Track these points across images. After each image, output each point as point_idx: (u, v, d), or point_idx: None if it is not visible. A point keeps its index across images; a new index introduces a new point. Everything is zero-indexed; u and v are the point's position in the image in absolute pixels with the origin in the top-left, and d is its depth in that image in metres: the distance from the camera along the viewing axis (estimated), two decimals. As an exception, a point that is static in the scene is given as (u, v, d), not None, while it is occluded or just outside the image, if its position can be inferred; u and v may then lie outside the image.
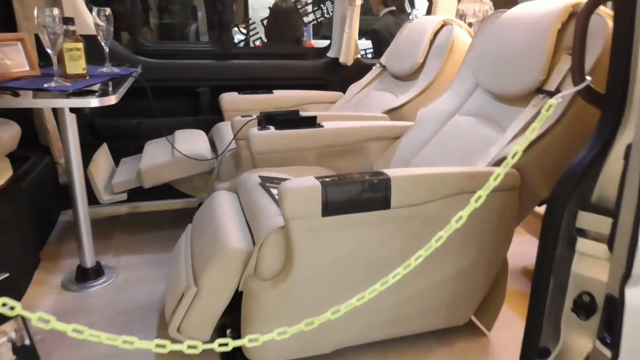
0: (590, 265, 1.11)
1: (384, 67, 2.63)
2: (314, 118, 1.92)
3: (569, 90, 1.10)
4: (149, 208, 2.59)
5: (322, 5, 3.88)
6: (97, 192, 2.01)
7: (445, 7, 2.83)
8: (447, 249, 1.41)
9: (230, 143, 2.05)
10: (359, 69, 2.78)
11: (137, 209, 2.58)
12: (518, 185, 1.45)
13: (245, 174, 1.76)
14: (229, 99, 2.54)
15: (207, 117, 2.68)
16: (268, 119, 1.92)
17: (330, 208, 1.26)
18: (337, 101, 2.70)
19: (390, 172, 1.33)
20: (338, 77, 2.84)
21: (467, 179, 1.38)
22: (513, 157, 1.15)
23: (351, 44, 2.71)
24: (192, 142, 2.28)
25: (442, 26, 2.32)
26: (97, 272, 1.90)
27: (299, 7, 3.76)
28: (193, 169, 2.11)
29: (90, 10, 2.13)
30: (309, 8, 4.24)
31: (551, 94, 1.47)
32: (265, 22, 3.55)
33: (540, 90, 1.51)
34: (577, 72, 1.07)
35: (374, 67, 2.70)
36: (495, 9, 3.30)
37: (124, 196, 2.10)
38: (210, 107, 2.68)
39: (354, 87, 2.69)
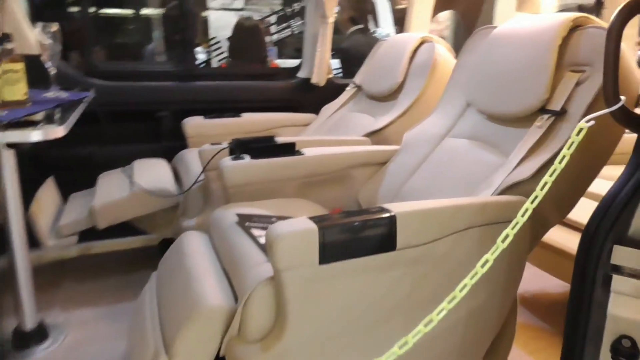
0: (629, 305, 0.97)
1: (359, 88, 2.49)
2: (293, 145, 1.73)
3: (602, 111, 0.96)
4: (102, 248, 2.30)
5: (288, 23, 3.75)
6: (41, 237, 1.72)
7: (419, 25, 2.73)
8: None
9: (200, 175, 1.82)
10: (332, 90, 2.63)
11: (89, 251, 2.29)
12: (530, 215, 1.30)
13: (219, 210, 1.54)
14: (194, 124, 2.32)
15: (169, 143, 2.44)
16: (241, 147, 1.72)
17: (328, 254, 1.06)
18: (310, 124, 2.53)
19: (394, 207, 1.15)
20: (310, 98, 2.67)
21: (478, 211, 1.22)
22: (542, 188, 1.00)
23: (324, 64, 2.56)
24: (153, 173, 2.03)
25: (421, 43, 2.20)
26: (40, 334, 1.60)
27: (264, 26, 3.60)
28: (155, 205, 1.86)
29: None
30: (272, 28, 4.09)
31: (556, 114, 1.35)
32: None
33: (543, 110, 1.38)
34: (610, 92, 0.94)
35: (347, 88, 2.55)
36: (465, 27, 3.25)
37: (74, 239, 1.82)
38: (173, 132, 2.44)
39: (327, 109, 2.52)
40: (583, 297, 0.99)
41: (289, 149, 1.71)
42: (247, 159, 1.63)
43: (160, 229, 1.98)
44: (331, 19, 2.49)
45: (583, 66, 1.35)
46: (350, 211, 1.16)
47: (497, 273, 1.30)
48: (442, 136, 1.74)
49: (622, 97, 0.93)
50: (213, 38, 3.79)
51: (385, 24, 4.82)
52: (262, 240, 1.30)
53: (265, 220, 1.43)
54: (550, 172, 0.99)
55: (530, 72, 1.43)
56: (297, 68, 2.75)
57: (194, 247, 1.43)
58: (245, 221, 1.41)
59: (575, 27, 1.40)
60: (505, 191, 1.32)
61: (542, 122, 1.37)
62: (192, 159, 2.10)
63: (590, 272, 0.97)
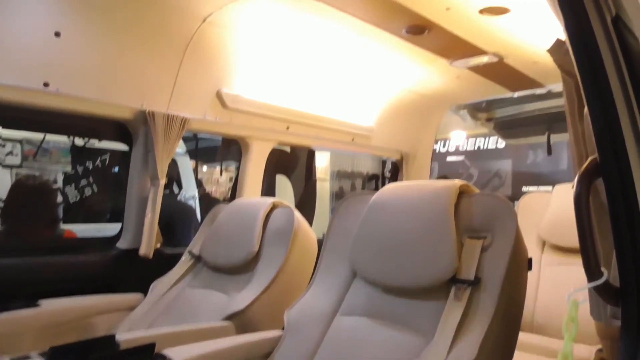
0: None
1: (197, 258, 2.12)
2: (151, 348, 1.24)
3: (586, 285, 0.88)
4: None
5: (84, 182, 3.21)
6: None
7: (252, 189, 2.61)
8: None
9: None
10: (161, 262, 2.19)
11: None
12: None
13: None
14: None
15: None
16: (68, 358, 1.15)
17: None
18: (137, 306, 1.99)
19: None
20: (133, 273, 2.15)
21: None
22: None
23: (153, 231, 2.14)
24: None
25: (272, 208, 2.03)
26: None
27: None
28: None
29: None
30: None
31: (472, 283, 1.27)
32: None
33: (455, 280, 1.29)
34: (592, 266, 0.87)
35: (182, 259, 2.15)
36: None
37: None
38: None
39: (159, 286, 2.05)
40: None
41: (147, 355, 1.22)
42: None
43: None
44: (162, 181, 2.16)
45: (482, 232, 1.34)
46: None
47: None
48: (332, 314, 1.50)
49: (604, 270, 0.88)
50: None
51: (188, 186, 4.62)
52: None
53: None
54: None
55: (431, 241, 1.36)
56: (114, 238, 2.23)
57: None
58: None
59: (462, 193, 1.43)
60: (447, 382, 1.12)
61: (459, 294, 1.27)
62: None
63: None
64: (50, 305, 1.78)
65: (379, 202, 1.54)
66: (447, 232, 1.34)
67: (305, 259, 1.89)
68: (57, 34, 1.80)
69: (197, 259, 2.12)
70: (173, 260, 2.17)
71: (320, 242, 1.93)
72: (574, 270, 1.99)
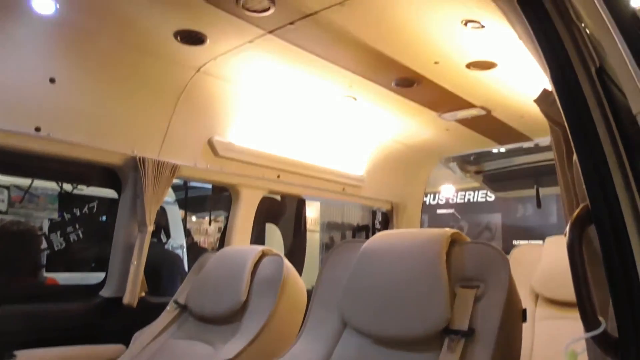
0: None
1: (183, 308, 2.05)
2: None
3: (583, 335, 0.86)
4: None
5: (70, 229, 3.15)
6: None
7: (242, 238, 2.57)
8: None
9: None
10: (146, 311, 2.11)
11: None
12: None
13: None
14: None
15: None
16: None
17: None
18: (118, 358, 1.90)
19: None
20: (116, 323, 2.07)
21: None
22: None
23: (138, 279, 2.08)
24: None
25: (261, 257, 2.00)
26: None
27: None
28: None
29: None
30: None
31: (465, 334, 1.23)
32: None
33: (448, 330, 1.26)
34: (589, 315, 0.85)
35: (167, 308, 2.08)
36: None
37: None
38: None
39: (142, 336, 1.97)
40: None
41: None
42: None
43: None
44: (151, 228, 2.13)
45: (475, 281, 1.32)
46: None
47: None
48: (321, 366, 1.44)
49: (602, 319, 0.85)
50: None
51: (176, 235, 4.56)
52: None
53: None
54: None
55: (423, 289, 1.33)
56: (97, 286, 2.16)
57: None
58: None
59: (454, 241, 1.41)
60: None
61: (453, 345, 1.23)
62: None
63: None
64: (27, 357, 1.70)
65: (369, 251, 1.52)
66: (439, 280, 1.31)
67: (294, 309, 1.84)
68: (52, 80, 1.82)
69: (183, 308, 2.05)
70: (158, 309, 2.09)
71: (309, 293, 1.89)
72: (570, 324, 1.95)
